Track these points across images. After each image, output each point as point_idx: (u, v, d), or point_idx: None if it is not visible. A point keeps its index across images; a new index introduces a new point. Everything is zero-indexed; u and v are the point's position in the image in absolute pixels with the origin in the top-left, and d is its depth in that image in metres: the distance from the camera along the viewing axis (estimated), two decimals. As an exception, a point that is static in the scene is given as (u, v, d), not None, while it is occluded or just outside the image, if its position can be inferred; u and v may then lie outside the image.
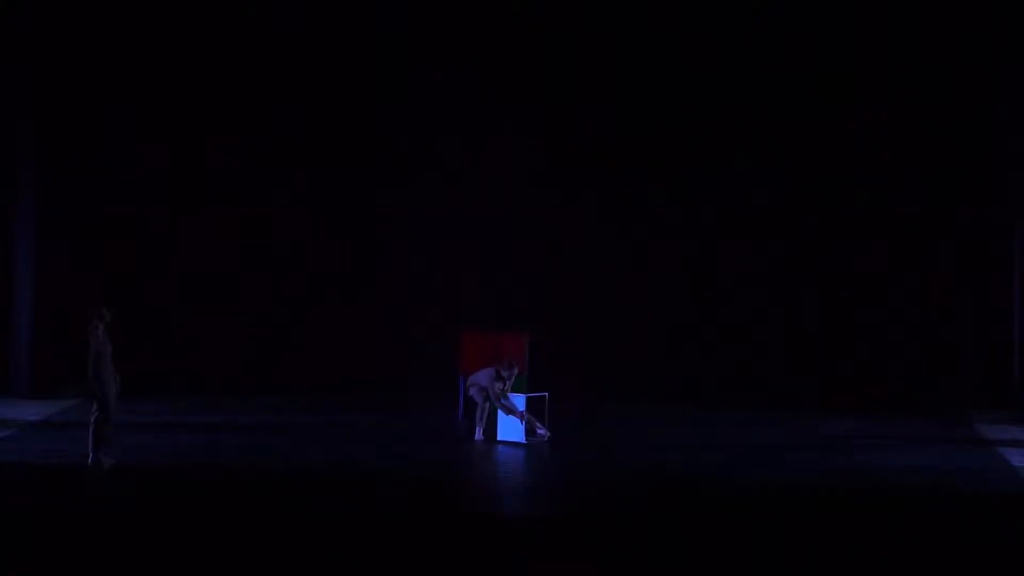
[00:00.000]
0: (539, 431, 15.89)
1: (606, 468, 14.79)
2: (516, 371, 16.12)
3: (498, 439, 15.93)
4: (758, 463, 15.03)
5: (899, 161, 19.24)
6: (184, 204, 19.92)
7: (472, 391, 16.24)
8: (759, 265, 19.64)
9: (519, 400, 15.97)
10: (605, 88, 19.72)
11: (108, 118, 19.50)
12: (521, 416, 15.84)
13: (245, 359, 19.76)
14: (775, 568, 10.75)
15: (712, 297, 19.76)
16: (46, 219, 18.96)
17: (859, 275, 19.46)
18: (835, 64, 19.14)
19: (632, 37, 19.49)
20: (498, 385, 15.92)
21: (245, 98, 19.74)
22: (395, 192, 20.08)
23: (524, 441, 15.79)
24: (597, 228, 19.90)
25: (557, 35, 19.54)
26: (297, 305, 19.92)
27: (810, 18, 19.08)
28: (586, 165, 19.81)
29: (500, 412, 15.95)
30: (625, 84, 19.67)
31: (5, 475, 13.90)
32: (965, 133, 19.04)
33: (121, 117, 19.55)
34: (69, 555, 10.79)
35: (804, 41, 19.16)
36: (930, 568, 10.80)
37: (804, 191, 19.49)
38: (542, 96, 19.74)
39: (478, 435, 16.06)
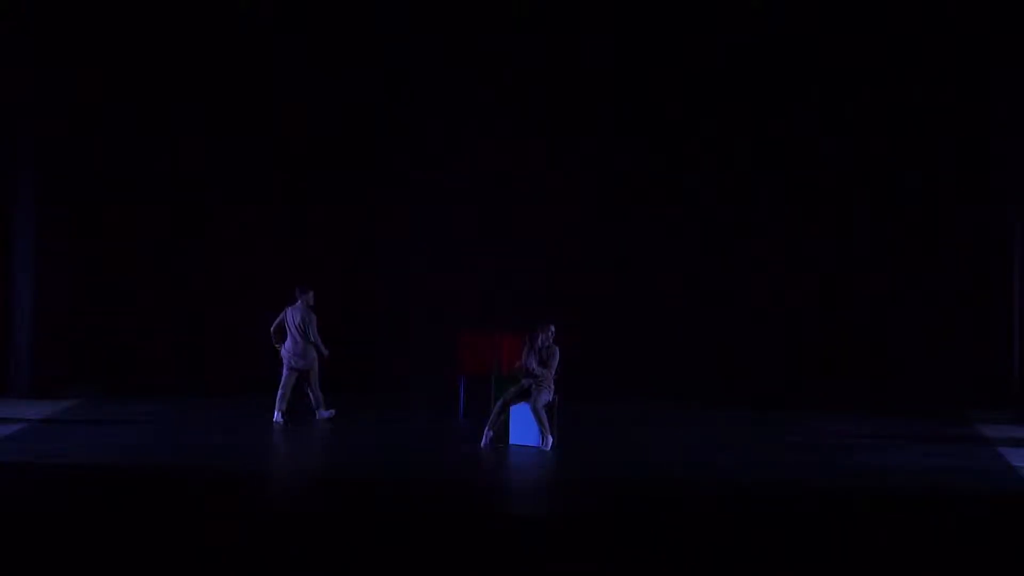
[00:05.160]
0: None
1: (605, 468, 14.79)
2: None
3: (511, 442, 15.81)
4: (758, 463, 15.04)
5: (899, 161, 19.25)
6: (184, 205, 19.93)
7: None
8: (759, 265, 19.66)
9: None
10: (605, 87, 19.72)
11: (108, 118, 19.52)
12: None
13: (244, 359, 19.75)
14: (775, 568, 10.75)
15: (712, 297, 19.77)
16: (46, 219, 18.98)
17: (859, 275, 19.47)
18: (834, 64, 19.14)
19: (635, 34, 19.48)
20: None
21: (245, 98, 19.74)
22: (395, 192, 20.09)
23: (537, 444, 15.65)
24: (597, 228, 19.90)
25: (558, 33, 19.54)
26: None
27: (809, 17, 19.08)
28: (586, 165, 19.81)
29: (514, 412, 15.79)
30: (625, 82, 19.68)
31: (5, 475, 13.90)
32: (965, 133, 19.05)
33: (121, 117, 19.56)
34: (69, 555, 10.79)
35: (803, 41, 19.17)
36: (930, 568, 10.80)
37: (803, 191, 19.50)
38: (542, 95, 19.75)
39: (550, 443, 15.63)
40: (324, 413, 17.27)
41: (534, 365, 15.48)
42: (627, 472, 14.55)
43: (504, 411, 15.59)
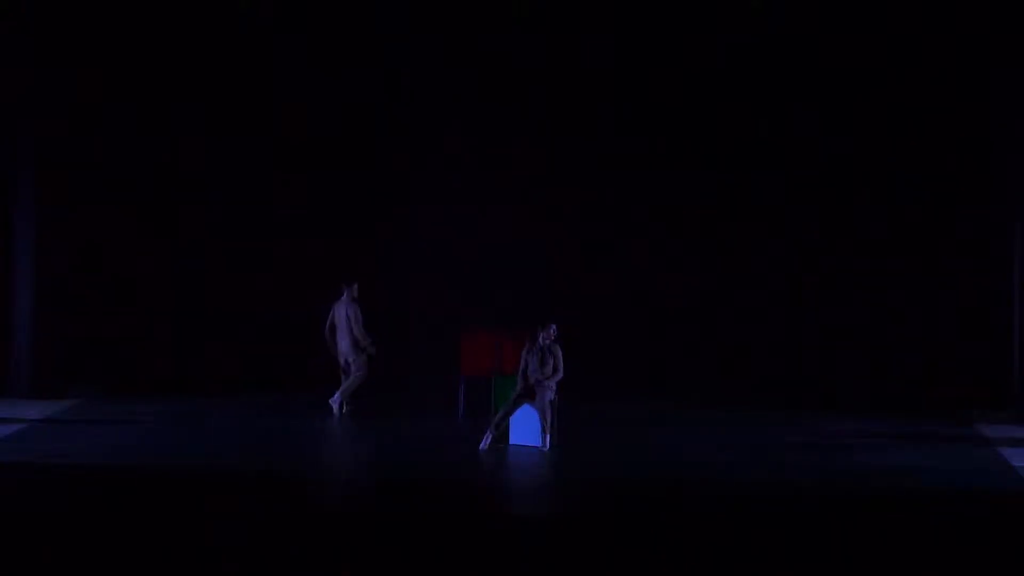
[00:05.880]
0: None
1: (605, 468, 14.79)
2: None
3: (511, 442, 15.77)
4: (758, 463, 15.03)
5: (899, 161, 19.25)
6: (185, 205, 19.93)
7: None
8: (759, 264, 19.66)
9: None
10: (605, 87, 19.71)
11: (108, 118, 19.51)
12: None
13: (244, 359, 19.76)
14: (775, 568, 10.75)
15: (712, 297, 19.76)
16: (46, 219, 18.97)
17: (859, 274, 19.47)
18: (834, 64, 19.14)
19: (635, 34, 19.48)
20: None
21: (245, 98, 19.74)
22: (395, 191, 20.09)
23: (537, 444, 15.60)
24: (597, 228, 19.90)
25: (558, 33, 19.53)
26: (295, 305, 19.92)
27: (809, 17, 19.08)
28: (586, 165, 19.81)
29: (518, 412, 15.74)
30: (625, 82, 19.67)
31: (5, 475, 13.90)
32: (965, 133, 19.04)
33: (121, 117, 19.55)
34: (69, 555, 10.78)
35: (803, 41, 19.17)
36: (930, 568, 10.80)
37: (804, 190, 19.50)
38: (542, 95, 19.74)
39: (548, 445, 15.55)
40: (336, 405, 17.40)
41: (535, 366, 15.48)
42: (627, 472, 14.54)
43: (507, 417, 15.58)
